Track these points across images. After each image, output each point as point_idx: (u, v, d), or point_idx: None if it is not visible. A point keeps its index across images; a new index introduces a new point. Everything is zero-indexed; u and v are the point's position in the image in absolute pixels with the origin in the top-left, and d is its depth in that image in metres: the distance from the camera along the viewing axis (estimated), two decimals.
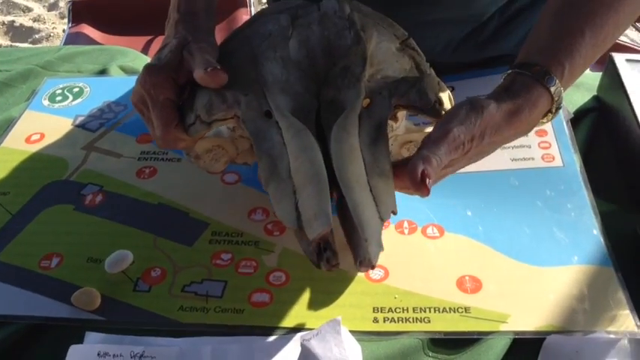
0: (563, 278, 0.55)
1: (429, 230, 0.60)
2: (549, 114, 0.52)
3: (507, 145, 0.58)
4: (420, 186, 0.45)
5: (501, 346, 0.51)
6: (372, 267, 0.48)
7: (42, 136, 0.73)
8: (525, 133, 0.52)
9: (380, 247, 0.48)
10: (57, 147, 0.71)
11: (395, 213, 0.49)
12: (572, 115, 0.72)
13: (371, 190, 0.48)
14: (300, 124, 0.49)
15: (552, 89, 0.50)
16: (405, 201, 0.52)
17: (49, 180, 0.67)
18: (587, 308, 0.53)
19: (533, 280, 0.55)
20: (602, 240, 0.58)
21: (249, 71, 0.52)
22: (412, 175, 0.45)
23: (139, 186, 0.66)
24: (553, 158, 0.67)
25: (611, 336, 0.51)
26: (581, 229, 0.60)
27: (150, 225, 0.62)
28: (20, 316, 0.54)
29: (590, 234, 0.59)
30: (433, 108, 0.51)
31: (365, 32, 0.53)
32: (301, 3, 0.57)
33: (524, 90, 0.50)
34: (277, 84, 0.51)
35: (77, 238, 0.60)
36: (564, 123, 0.70)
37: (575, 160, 0.66)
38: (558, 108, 0.52)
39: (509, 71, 0.52)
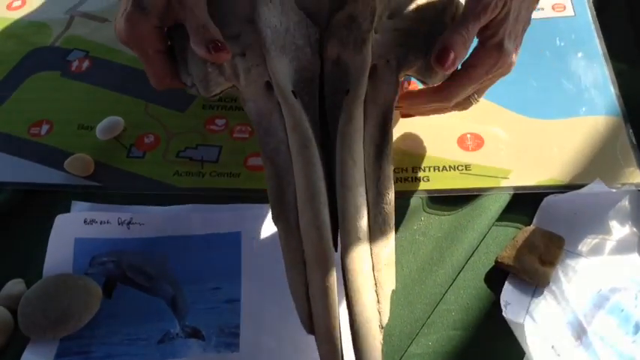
0: (569, 130, 0.54)
1: None
2: None
3: None
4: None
5: (501, 201, 0.50)
6: None
7: (23, 2, 0.69)
8: None
9: None
10: (40, 12, 0.68)
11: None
12: None
13: (373, 269, 0.42)
14: (306, 134, 0.42)
15: None
16: None
17: (33, 47, 0.64)
18: (592, 161, 0.51)
19: (538, 133, 0.54)
20: (612, 90, 0.56)
21: (244, 9, 0.46)
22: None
23: (126, 51, 0.61)
24: (564, 7, 0.62)
25: (614, 190, 0.49)
26: (590, 78, 0.57)
27: (140, 91, 0.59)
28: (13, 183, 0.53)
29: (600, 83, 0.57)
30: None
31: None
32: None
33: None
34: (276, 40, 0.45)
35: (66, 104, 0.59)
36: None
37: (588, 9, 0.62)
38: None
39: None
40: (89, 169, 0.54)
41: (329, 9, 0.46)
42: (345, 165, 0.42)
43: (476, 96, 0.49)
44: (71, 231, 0.50)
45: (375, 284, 0.42)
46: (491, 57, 0.45)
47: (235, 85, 0.46)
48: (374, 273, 0.42)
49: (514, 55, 0.46)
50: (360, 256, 0.41)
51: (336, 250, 0.41)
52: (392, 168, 0.44)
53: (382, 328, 0.41)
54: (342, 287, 0.40)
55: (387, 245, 0.43)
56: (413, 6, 0.46)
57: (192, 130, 0.56)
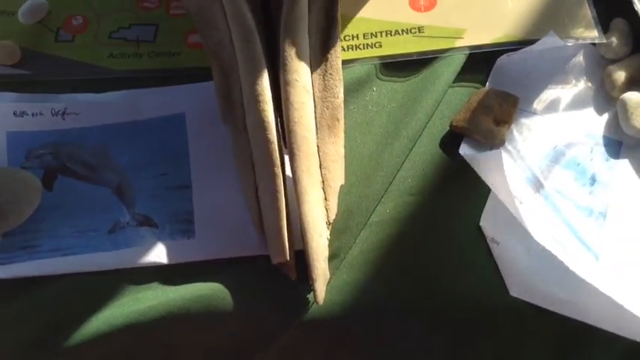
0: None
1: None
2: None
3: None
4: None
5: (455, 64, 0.48)
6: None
7: None
8: None
9: (326, 278, 0.40)
10: None
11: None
12: None
13: (320, 167, 0.40)
14: (248, 27, 0.39)
15: None
16: None
17: None
18: (546, 15, 0.49)
19: None
20: None
21: None
22: None
23: None
24: None
25: (569, 44, 0.48)
26: None
27: None
28: None
29: None
30: None
31: None
32: None
33: None
34: None
35: None
36: None
37: None
38: None
39: None
40: (15, 57, 0.49)
41: None
42: (289, 59, 0.40)
43: None
44: (1, 125, 0.46)
45: (323, 182, 0.41)
46: None
47: None
48: (321, 170, 0.41)
49: None
50: (306, 154, 0.40)
51: (286, 147, 0.40)
52: (340, 58, 0.42)
53: (330, 224, 0.41)
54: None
55: (336, 142, 0.42)
56: None
57: (123, 9, 0.52)
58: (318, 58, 0.41)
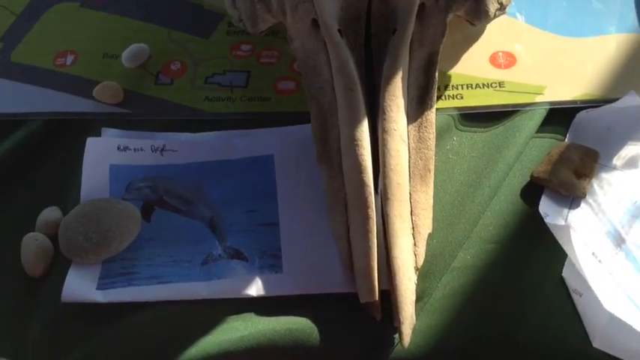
0: (600, 48, 0.53)
1: None
2: None
3: None
4: None
5: (536, 118, 0.50)
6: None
7: None
8: None
9: (413, 322, 0.41)
10: None
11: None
12: None
13: (411, 214, 0.42)
14: (351, 76, 0.42)
15: None
16: None
17: None
18: (624, 76, 0.51)
19: (570, 51, 0.53)
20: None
21: None
22: None
23: None
24: None
25: None
26: None
27: (162, 18, 0.58)
28: (42, 113, 0.53)
29: (628, 1, 0.56)
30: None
31: None
32: None
33: None
34: None
35: (89, 34, 0.58)
36: None
37: None
38: None
39: None
40: (118, 97, 0.53)
41: None
42: (389, 110, 0.42)
43: None
44: (106, 157, 0.50)
45: (413, 228, 0.43)
46: None
47: (282, 22, 0.45)
48: (412, 217, 0.43)
49: None
50: (400, 200, 0.41)
51: (376, 193, 0.42)
52: (434, 113, 0.44)
53: (417, 270, 0.43)
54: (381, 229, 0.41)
55: (427, 191, 0.44)
56: None
57: (218, 56, 0.56)
58: (415, 111, 0.44)
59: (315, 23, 0.45)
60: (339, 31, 0.44)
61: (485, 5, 0.45)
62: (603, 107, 0.49)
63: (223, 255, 0.46)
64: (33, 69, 0.55)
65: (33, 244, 0.46)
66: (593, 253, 0.43)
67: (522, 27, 0.55)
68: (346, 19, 0.45)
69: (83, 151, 0.49)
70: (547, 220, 0.44)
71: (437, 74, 0.45)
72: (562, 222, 0.45)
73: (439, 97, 0.52)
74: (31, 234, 0.47)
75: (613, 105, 0.49)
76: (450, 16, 0.45)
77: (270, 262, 0.46)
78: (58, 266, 0.46)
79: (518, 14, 0.56)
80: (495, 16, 0.47)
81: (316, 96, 0.45)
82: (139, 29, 0.58)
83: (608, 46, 0.53)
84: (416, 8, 0.44)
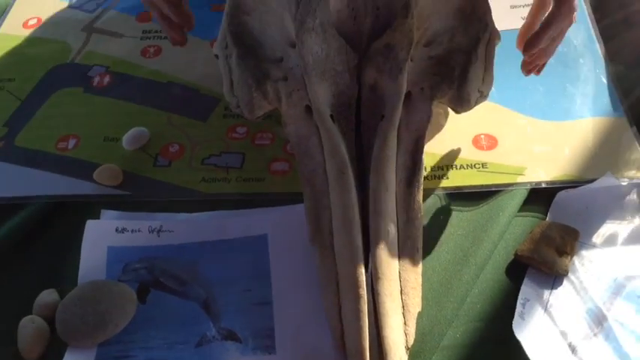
0: (577, 131, 0.56)
1: None
2: None
3: (517, 3, 0.57)
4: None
5: (518, 198, 0.52)
6: None
7: (39, 20, 0.71)
8: None
9: None
10: (56, 30, 0.69)
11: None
12: None
13: (401, 293, 0.44)
14: (342, 160, 0.44)
15: None
16: None
17: (53, 64, 0.66)
18: (601, 157, 0.54)
19: (548, 134, 0.56)
20: (615, 92, 0.59)
21: (287, 34, 0.49)
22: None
23: (145, 65, 0.65)
24: None
25: (623, 183, 0.52)
26: (593, 83, 0.60)
27: (162, 103, 0.61)
28: (43, 196, 0.54)
29: (602, 87, 0.60)
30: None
31: None
32: None
33: None
34: (317, 66, 0.47)
35: (91, 118, 0.60)
36: None
37: (587, 16, 0.65)
38: None
39: None
40: (118, 179, 0.55)
41: (368, 36, 0.48)
42: (378, 192, 0.44)
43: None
44: (104, 239, 0.51)
45: (403, 307, 0.44)
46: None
47: (277, 108, 0.48)
48: (402, 296, 0.44)
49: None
50: (390, 279, 0.43)
51: (366, 271, 0.43)
52: (422, 194, 0.46)
53: (408, 349, 0.43)
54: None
55: (415, 270, 0.45)
56: (448, 35, 0.49)
57: (215, 139, 0.58)
58: (403, 193, 0.46)
59: (308, 109, 0.47)
60: (331, 116, 0.47)
61: (466, 94, 0.48)
62: (582, 187, 0.52)
63: (217, 336, 0.47)
64: (36, 153, 0.58)
65: (30, 327, 0.47)
66: (569, 344, 0.44)
67: (503, 111, 0.58)
68: (338, 105, 0.47)
69: (82, 233, 0.51)
70: (523, 315, 0.46)
71: (424, 157, 0.48)
72: (541, 309, 0.46)
73: (427, 177, 0.54)
74: (29, 317, 0.47)
75: (591, 185, 0.51)
76: (435, 103, 0.48)
77: (263, 343, 0.46)
78: (54, 350, 0.46)
79: (498, 99, 0.59)
80: (477, 103, 0.50)
81: (309, 178, 0.47)
82: (139, 113, 0.60)
83: (583, 129, 0.56)
84: (402, 96, 0.47)
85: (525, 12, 0.65)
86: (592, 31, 0.64)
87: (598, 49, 0.62)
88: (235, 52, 0.49)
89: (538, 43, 0.51)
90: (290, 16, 0.48)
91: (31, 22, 0.71)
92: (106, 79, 0.64)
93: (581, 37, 0.64)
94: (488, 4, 0.51)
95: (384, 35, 0.47)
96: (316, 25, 0.46)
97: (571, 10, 0.49)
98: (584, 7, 0.66)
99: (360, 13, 0.48)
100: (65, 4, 0.73)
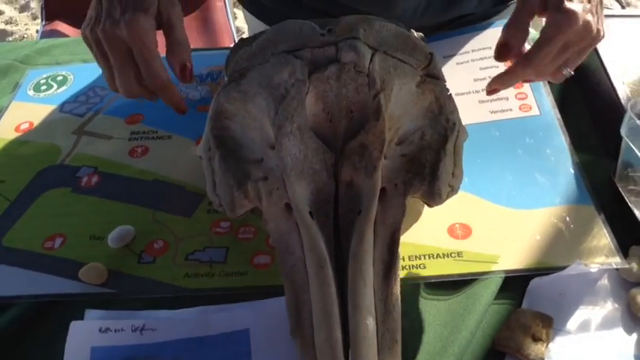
0: (547, 219, 0.59)
1: None
2: None
3: (485, 98, 0.61)
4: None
5: (493, 286, 0.54)
6: None
7: (31, 124, 0.74)
8: None
9: None
10: (47, 133, 0.72)
11: None
12: None
13: None
14: (321, 255, 0.46)
15: None
16: None
17: (43, 165, 0.68)
18: (571, 245, 0.56)
19: (520, 222, 0.58)
20: (582, 181, 0.62)
21: (267, 136, 0.52)
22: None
23: (132, 164, 0.67)
24: (530, 108, 0.69)
25: (594, 270, 0.54)
26: (561, 172, 0.63)
27: (147, 200, 0.63)
28: (28, 295, 0.55)
29: (569, 176, 0.62)
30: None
31: (385, 89, 0.51)
32: (314, 34, 0.54)
33: None
34: (295, 166, 0.50)
35: (78, 218, 0.62)
36: None
37: (551, 108, 0.69)
38: None
39: None
40: (103, 277, 0.56)
41: (343, 137, 0.51)
42: (357, 286, 0.45)
43: (568, 69, 0.55)
44: (87, 340, 0.51)
45: None
46: (562, 20, 0.51)
47: (258, 206, 0.50)
48: None
49: (592, 19, 0.52)
50: None
51: None
52: (399, 285, 0.48)
53: None
54: None
55: None
56: (418, 134, 0.52)
57: (199, 234, 0.60)
58: (381, 285, 0.47)
59: (288, 207, 0.49)
60: (310, 213, 0.49)
61: (437, 189, 0.51)
62: (554, 275, 0.53)
63: None
64: (23, 253, 0.59)
65: None
66: None
67: (476, 200, 0.61)
68: (316, 202, 0.50)
69: (66, 333, 0.51)
70: None
71: (399, 249, 0.49)
72: None
73: (404, 267, 0.56)
74: None
75: (562, 273, 0.53)
76: (409, 198, 0.51)
77: None
78: None
79: (471, 189, 0.62)
80: (448, 197, 0.52)
81: (289, 273, 0.48)
82: (125, 211, 0.62)
83: (553, 216, 0.59)
84: (377, 192, 0.49)
85: (494, 106, 0.70)
86: (556, 122, 0.67)
87: (563, 139, 0.66)
88: (217, 155, 0.52)
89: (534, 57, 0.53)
90: (269, 120, 0.51)
91: (23, 127, 0.74)
92: (94, 179, 0.66)
93: (546, 127, 0.67)
94: (454, 103, 0.54)
95: (358, 136, 0.50)
96: (294, 128, 0.50)
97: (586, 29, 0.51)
98: (547, 98, 0.70)
99: (335, 116, 0.51)
100: (57, 109, 0.76)
